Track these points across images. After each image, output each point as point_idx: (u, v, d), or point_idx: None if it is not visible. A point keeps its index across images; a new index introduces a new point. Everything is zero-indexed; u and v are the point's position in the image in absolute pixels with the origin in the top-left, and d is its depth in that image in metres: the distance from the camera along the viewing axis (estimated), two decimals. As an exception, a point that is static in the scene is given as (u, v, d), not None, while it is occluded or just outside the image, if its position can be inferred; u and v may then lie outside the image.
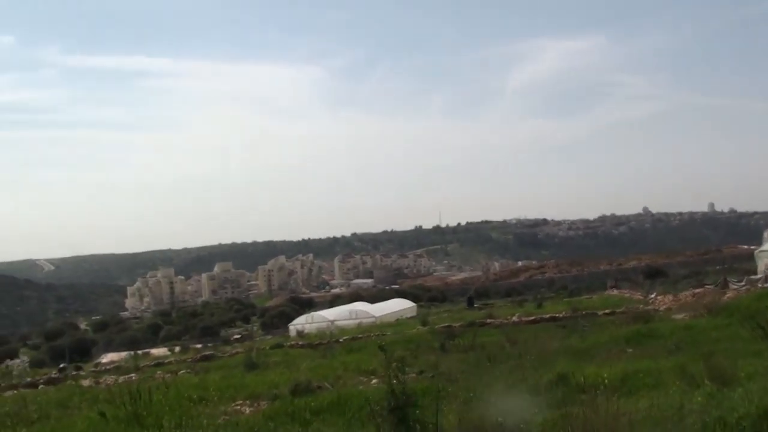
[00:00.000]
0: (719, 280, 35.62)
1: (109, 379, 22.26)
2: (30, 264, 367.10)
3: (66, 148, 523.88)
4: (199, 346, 69.81)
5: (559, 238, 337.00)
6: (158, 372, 22.59)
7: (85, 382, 22.26)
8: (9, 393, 22.09)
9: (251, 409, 13.03)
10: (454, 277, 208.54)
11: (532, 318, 26.57)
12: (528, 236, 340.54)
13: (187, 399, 13.83)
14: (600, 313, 26.72)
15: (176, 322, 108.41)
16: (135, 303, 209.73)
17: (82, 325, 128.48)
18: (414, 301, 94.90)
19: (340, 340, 26.13)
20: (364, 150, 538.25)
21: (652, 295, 38.11)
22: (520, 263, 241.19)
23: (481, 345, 18.98)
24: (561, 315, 26.56)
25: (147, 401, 11.81)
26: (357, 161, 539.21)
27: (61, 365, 34.02)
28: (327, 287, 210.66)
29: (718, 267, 64.84)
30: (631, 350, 15.11)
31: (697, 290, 35.48)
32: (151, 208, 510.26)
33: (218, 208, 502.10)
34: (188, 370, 21.70)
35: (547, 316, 26.65)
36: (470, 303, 71.55)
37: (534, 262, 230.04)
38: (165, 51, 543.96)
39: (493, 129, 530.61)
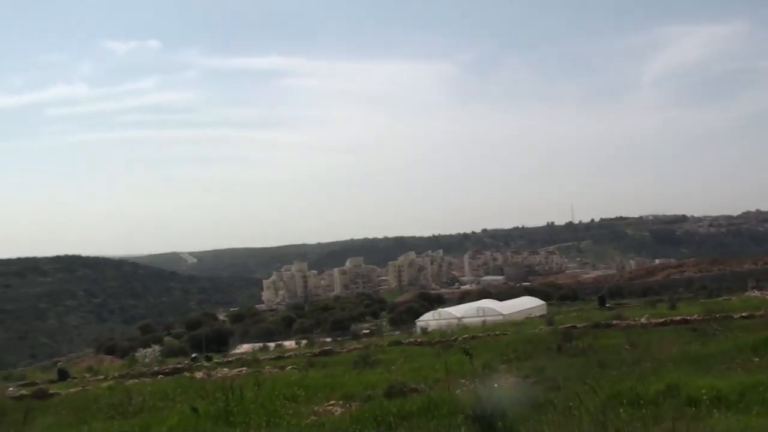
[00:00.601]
0: None
1: (222, 371, 23.04)
2: (175, 257, 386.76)
3: (208, 146, 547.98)
4: (328, 339, 71.70)
5: (699, 235, 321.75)
6: (267, 367, 23.18)
7: (199, 374, 23.11)
8: (131, 381, 23.26)
9: (343, 409, 13.09)
10: (586, 275, 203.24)
11: (662, 320, 25.51)
12: (665, 233, 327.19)
13: (281, 396, 13.92)
14: (736, 316, 25.37)
15: (308, 316, 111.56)
16: (270, 295, 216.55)
17: (221, 316, 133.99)
18: (544, 299, 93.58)
19: (459, 338, 26.09)
20: (494, 145, 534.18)
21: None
22: (657, 261, 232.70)
23: (600, 348, 18.40)
24: (692, 317, 25.36)
25: (239, 398, 12.03)
26: (487, 156, 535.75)
27: (193, 355, 35.53)
28: (456, 284, 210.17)
29: None
30: (757, 360, 14.06)
31: None
32: (286, 204, 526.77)
33: (351, 204, 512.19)
34: (294, 366, 22.17)
35: (678, 318, 25.51)
36: (602, 302, 69.66)
37: (672, 261, 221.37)
38: (298, 50, 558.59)
39: (629, 121, 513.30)
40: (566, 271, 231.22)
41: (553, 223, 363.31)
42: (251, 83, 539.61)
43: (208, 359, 31.59)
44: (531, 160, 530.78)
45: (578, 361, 15.29)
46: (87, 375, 29.76)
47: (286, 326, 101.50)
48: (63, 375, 30.46)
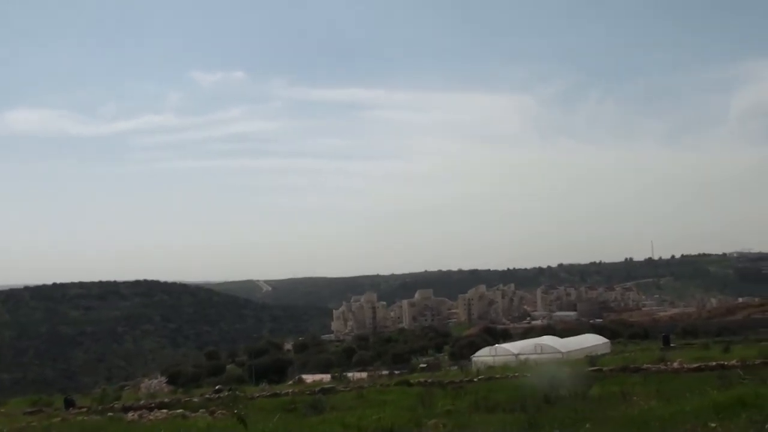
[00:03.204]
0: None
1: (146, 415, 22.33)
2: (251, 285, 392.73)
3: (288, 176, 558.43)
4: (385, 372, 70.95)
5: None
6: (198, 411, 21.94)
7: (131, 415, 22.49)
8: (93, 417, 22.79)
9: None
10: (663, 313, 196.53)
11: (696, 365, 23.89)
12: (751, 271, 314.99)
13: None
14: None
15: (372, 347, 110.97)
16: (339, 326, 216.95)
17: (288, 345, 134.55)
18: (613, 337, 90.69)
19: (475, 379, 24.96)
20: (575, 178, 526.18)
21: None
22: (740, 300, 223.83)
23: (594, 398, 17.08)
24: (730, 363, 23.69)
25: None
26: (566, 190, 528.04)
27: (217, 387, 35.03)
28: (528, 318, 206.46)
29: None
30: (714, 425, 12.28)
31: None
32: (363, 235, 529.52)
33: (427, 235, 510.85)
34: (221, 412, 20.88)
35: (714, 363, 23.85)
36: (666, 342, 67.09)
37: (757, 299, 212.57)
38: (378, 82, 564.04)
39: (714, 155, 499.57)
40: (643, 309, 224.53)
41: (631, 258, 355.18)
42: (333, 114, 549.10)
43: (235, 390, 30.95)
44: (611, 194, 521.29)
45: (542, 416, 13.91)
46: (91, 405, 29.32)
47: (347, 357, 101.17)
48: (69, 404, 30.26)
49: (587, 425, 11.79)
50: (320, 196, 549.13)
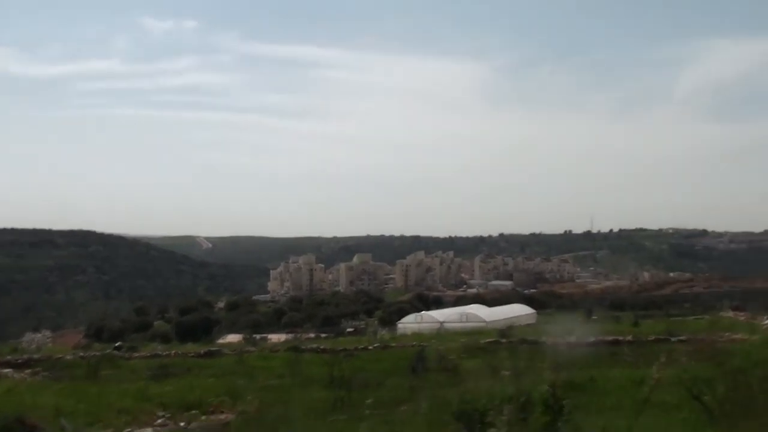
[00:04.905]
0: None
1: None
2: (190, 240, 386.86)
3: (236, 132, 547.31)
4: (311, 335, 70.38)
5: (718, 251, 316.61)
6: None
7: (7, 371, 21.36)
8: None
9: None
10: (596, 285, 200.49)
11: (592, 341, 23.55)
12: (684, 247, 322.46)
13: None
14: (674, 339, 23.45)
15: (303, 310, 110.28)
16: (276, 287, 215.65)
17: (220, 304, 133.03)
18: (542, 308, 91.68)
19: (370, 347, 24.24)
20: (521, 149, 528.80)
21: (766, 321, 33.77)
22: (671, 275, 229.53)
23: (464, 370, 16.46)
24: (626, 339, 23.48)
25: None
26: (512, 160, 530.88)
27: (117, 344, 33.86)
28: (464, 286, 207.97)
29: None
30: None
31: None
32: (307, 196, 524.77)
33: (372, 200, 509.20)
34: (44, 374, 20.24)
35: (610, 338, 23.60)
36: (588, 315, 68.04)
37: (687, 275, 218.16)
38: (337, 42, 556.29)
39: (658, 133, 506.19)
40: (577, 281, 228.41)
41: (571, 231, 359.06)
42: (285, 71, 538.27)
43: (132, 350, 29.75)
44: (555, 167, 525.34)
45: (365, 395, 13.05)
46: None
47: (277, 319, 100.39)
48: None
49: (403, 407, 11.01)
50: (268, 154, 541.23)
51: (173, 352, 26.46)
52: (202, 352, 25.43)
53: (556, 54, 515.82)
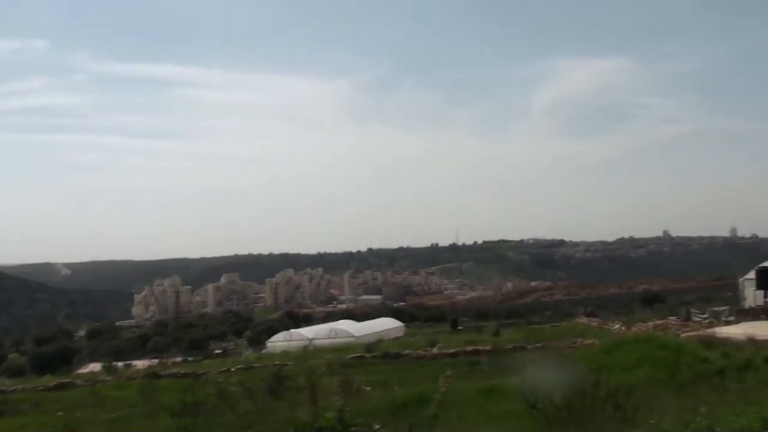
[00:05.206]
0: (683, 313, 33.25)
1: None
2: (47, 267, 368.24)
3: (92, 153, 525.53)
4: (179, 359, 68.37)
5: (575, 259, 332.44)
6: None
7: None
8: None
9: None
10: (462, 297, 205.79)
11: (453, 351, 24.15)
12: (544, 257, 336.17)
13: None
14: (530, 347, 24.37)
15: (169, 334, 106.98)
16: (141, 311, 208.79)
17: (81, 332, 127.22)
18: (410, 320, 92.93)
19: (233, 369, 23.87)
20: (386, 165, 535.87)
21: (616, 326, 35.74)
22: (532, 284, 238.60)
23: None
24: (484, 349, 24.20)
25: None
26: (378, 176, 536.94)
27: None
28: (334, 302, 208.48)
29: (729, 293, 61.94)
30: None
31: (659, 322, 33.18)
32: (172, 217, 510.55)
33: (238, 219, 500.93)
34: None
35: (469, 348, 24.27)
36: (453, 326, 69.64)
37: (547, 283, 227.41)
38: (195, 60, 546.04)
39: (516, 148, 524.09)
40: (444, 292, 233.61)
41: (437, 244, 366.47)
42: (142, 91, 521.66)
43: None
44: (420, 182, 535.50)
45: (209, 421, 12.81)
46: None
47: (142, 344, 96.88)
48: None
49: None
50: (127, 175, 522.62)
51: (20, 387, 25.00)
52: (52, 384, 24.17)
53: (419, 71, 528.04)
